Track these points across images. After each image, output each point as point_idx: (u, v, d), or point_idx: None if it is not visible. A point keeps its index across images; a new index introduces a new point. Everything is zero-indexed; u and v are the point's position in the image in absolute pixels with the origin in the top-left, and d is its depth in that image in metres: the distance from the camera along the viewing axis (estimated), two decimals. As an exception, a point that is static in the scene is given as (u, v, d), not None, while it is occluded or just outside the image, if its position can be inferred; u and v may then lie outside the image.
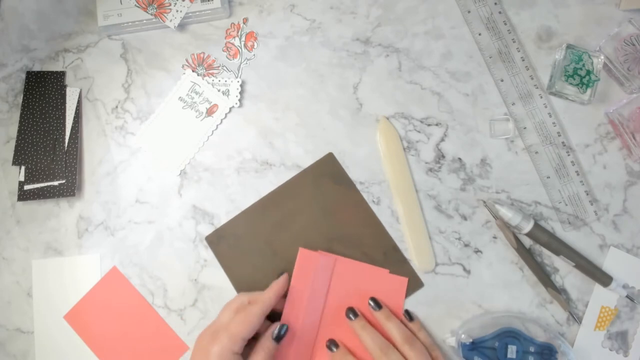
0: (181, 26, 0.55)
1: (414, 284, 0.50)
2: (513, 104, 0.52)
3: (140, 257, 0.51)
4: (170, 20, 0.53)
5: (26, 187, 0.52)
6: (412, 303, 0.50)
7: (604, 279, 0.48)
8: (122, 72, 0.55)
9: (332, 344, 0.46)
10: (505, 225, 0.49)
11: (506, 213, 0.49)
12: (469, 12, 0.54)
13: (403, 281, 0.48)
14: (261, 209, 0.51)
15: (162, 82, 0.54)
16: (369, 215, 0.51)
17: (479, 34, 0.53)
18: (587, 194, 0.50)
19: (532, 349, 0.46)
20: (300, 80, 0.54)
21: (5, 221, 0.53)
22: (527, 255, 0.49)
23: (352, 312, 0.47)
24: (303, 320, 0.46)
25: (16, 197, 0.52)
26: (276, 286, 0.46)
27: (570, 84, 0.51)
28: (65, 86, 0.54)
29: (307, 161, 0.52)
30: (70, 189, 0.52)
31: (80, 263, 0.52)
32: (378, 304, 0.47)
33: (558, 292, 0.48)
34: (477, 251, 0.50)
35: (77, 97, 0.54)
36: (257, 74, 0.54)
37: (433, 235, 0.51)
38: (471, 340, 0.46)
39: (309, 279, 0.46)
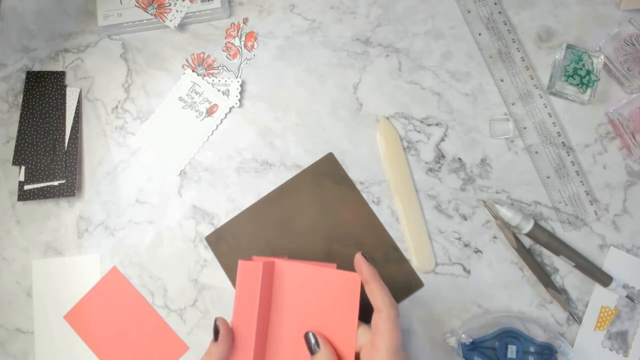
0: (181, 26, 0.55)
1: (414, 284, 0.50)
2: (513, 104, 0.52)
3: (140, 257, 0.51)
4: (170, 20, 0.53)
5: (26, 187, 0.52)
6: (413, 303, 0.50)
7: (604, 279, 0.48)
8: (122, 72, 0.55)
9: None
10: (505, 225, 0.49)
11: (506, 213, 0.49)
12: (469, 12, 0.54)
13: (355, 278, 0.39)
14: (261, 209, 0.51)
15: (162, 82, 0.54)
16: (369, 215, 0.51)
17: (479, 34, 0.54)
18: (587, 194, 0.50)
19: (532, 349, 0.46)
20: (300, 80, 0.54)
21: (5, 221, 0.53)
22: (527, 255, 0.49)
23: (313, 341, 0.39)
24: (254, 333, 0.39)
25: (16, 197, 0.52)
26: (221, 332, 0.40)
27: (570, 84, 0.51)
28: (65, 86, 0.54)
29: (307, 161, 0.52)
30: (70, 189, 0.52)
31: (80, 263, 0.52)
32: (317, 343, 0.38)
33: (558, 292, 0.48)
34: (477, 251, 0.50)
35: (77, 97, 0.54)
36: (257, 74, 0.54)
37: (433, 235, 0.51)
38: (471, 340, 0.46)
39: (253, 291, 0.39)
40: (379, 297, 0.37)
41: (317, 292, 0.40)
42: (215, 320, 0.39)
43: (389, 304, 0.37)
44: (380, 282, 0.38)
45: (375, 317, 0.37)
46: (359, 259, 0.40)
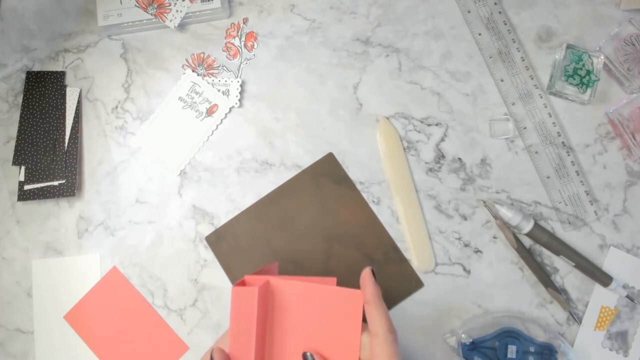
0: (181, 26, 0.55)
1: (414, 284, 0.50)
2: (513, 104, 0.52)
3: (140, 257, 0.51)
4: (170, 20, 0.53)
5: (26, 187, 0.52)
6: (412, 303, 0.50)
7: (604, 279, 0.48)
8: (122, 72, 0.55)
9: None
10: (505, 225, 0.49)
11: (506, 213, 0.49)
12: (469, 12, 0.54)
13: (356, 296, 0.37)
14: (261, 209, 0.51)
15: (162, 82, 0.54)
16: (369, 215, 0.51)
17: (479, 34, 0.54)
18: (587, 194, 0.50)
19: (532, 349, 0.46)
20: (300, 80, 0.54)
21: (5, 221, 0.53)
22: (527, 255, 0.49)
23: None
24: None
25: (16, 197, 0.52)
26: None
27: (570, 84, 0.51)
28: (65, 86, 0.54)
29: (307, 161, 0.52)
30: (70, 189, 0.52)
31: (80, 263, 0.52)
32: None
33: (558, 292, 0.48)
34: (477, 251, 0.50)
35: (77, 97, 0.54)
36: (257, 74, 0.54)
37: (433, 235, 0.51)
38: (471, 340, 0.46)
39: (249, 318, 0.36)
40: (377, 320, 0.34)
41: (317, 311, 0.37)
42: (212, 351, 0.36)
43: (386, 329, 0.34)
44: (382, 304, 0.35)
45: (372, 342, 0.35)
46: (365, 276, 0.37)
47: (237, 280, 0.50)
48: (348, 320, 0.37)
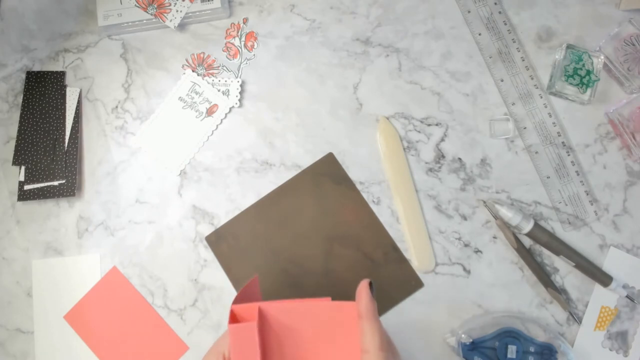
0: (181, 26, 0.55)
1: (414, 284, 0.50)
2: (513, 104, 0.52)
3: (140, 257, 0.51)
4: (170, 20, 0.53)
5: (26, 187, 0.52)
6: (412, 303, 0.50)
7: (604, 279, 0.48)
8: (122, 72, 0.55)
9: None
10: (505, 225, 0.49)
11: (506, 213, 0.49)
12: (469, 12, 0.54)
13: (352, 308, 0.35)
14: (261, 209, 0.51)
15: (162, 82, 0.54)
16: (369, 215, 0.51)
17: (479, 34, 0.54)
18: (587, 194, 0.50)
19: (532, 349, 0.46)
20: (300, 80, 0.54)
21: (5, 221, 0.53)
22: (527, 255, 0.49)
23: None
24: None
25: (16, 197, 0.52)
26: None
27: (570, 84, 0.51)
28: (65, 86, 0.54)
29: (307, 161, 0.52)
30: (70, 189, 0.52)
31: (80, 263, 0.52)
32: None
33: (558, 292, 0.48)
34: (477, 251, 0.50)
35: (77, 97, 0.54)
36: (257, 74, 0.54)
37: (433, 235, 0.51)
38: (471, 340, 0.46)
39: (252, 354, 0.35)
40: (369, 336, 0.33)
41: (314, 329, 0.36)
42: None
43: (378, 346, 0.32)
44: (375, 320, 0.34)
45: (362, 358, 0.33)
46: (362, 289, 0.35)
47: (237, 280, 0.50)
48: (347, 334, 0.36)
